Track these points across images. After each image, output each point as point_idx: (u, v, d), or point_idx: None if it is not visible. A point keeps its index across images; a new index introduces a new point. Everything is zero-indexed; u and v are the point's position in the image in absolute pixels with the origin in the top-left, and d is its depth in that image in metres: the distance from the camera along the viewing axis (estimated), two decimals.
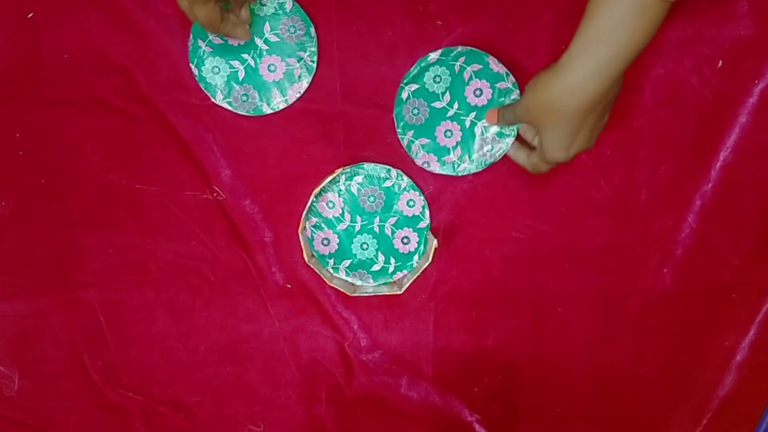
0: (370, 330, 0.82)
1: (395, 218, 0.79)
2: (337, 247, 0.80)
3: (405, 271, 0.80)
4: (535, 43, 0.75)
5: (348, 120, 0.77)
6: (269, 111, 0.77)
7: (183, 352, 0.82)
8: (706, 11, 0.74)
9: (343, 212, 0.79)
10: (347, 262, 0.80)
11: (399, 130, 0.76)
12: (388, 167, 0.78)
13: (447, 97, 0.75)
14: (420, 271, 0.78)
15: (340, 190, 0.78)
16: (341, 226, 0.79)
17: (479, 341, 0.82)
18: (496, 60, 0.74)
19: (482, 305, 0.81)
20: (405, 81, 0.75)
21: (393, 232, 0.80)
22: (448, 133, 0.76)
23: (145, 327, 0.81)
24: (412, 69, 0.74)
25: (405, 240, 0.80)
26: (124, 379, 0.82)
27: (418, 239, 0.80)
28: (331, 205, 0.79)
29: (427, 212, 0.79)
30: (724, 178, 0.78)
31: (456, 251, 0.80)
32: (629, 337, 0.81)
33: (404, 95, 0.75)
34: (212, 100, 0.76)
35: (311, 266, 0.77)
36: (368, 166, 0.78)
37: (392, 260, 0.80)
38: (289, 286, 0.81)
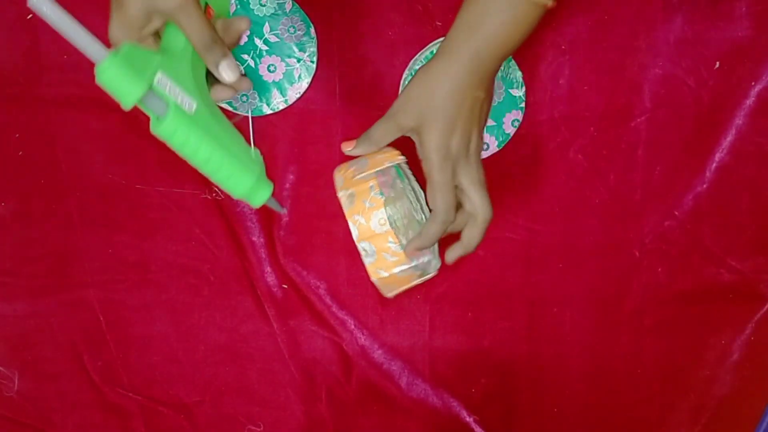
0: (366, 330, 0.82)
1: None
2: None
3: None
4: (534, 42, 0.75)
5: (348, 120, 0.77)
6: (269, 111, 0.77)
7: (183, 352, 0.82)
8: (705, 12, 0.74)
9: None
10: None
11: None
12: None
13: None
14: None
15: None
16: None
17: (475, 342, 0.82)
18: (516, 65, 0.72)
19: (478, 306, 0.81)
20: (423, 57, 0.72)
21: None
22: None
23: (145, 327, 0.81)
24: (428, 47, 0.72)
25: None
26: (124, 379, 0.82)
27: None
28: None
29: None
30: (720, 179, 0.78)
31: None
32: (625, 336, 0.82)
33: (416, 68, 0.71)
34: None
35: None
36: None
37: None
38: (285, 286, 0.81)
